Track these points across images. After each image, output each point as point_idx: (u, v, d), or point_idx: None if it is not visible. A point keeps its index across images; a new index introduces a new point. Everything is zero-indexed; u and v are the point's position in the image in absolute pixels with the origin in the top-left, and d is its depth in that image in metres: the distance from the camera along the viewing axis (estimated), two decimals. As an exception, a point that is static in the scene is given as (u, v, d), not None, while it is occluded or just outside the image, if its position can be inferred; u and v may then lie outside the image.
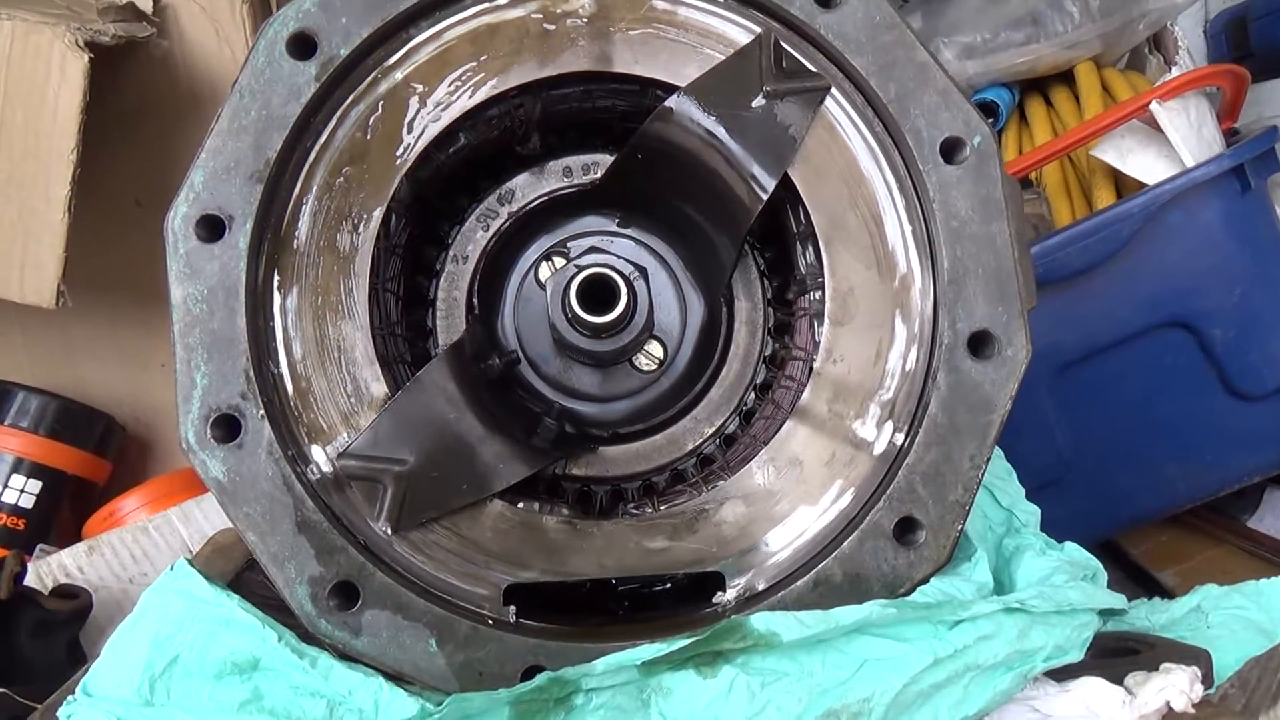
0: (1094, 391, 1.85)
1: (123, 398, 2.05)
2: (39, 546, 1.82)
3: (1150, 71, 2.35)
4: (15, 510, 1.85)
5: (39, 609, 1.50)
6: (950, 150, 1.01)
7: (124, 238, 1.92)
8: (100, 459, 1.97)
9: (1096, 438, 1.86)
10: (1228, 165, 1.74)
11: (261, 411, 0.97)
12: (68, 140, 1.60)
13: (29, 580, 1.61)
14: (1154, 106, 1.90)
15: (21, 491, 1.86)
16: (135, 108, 1.91)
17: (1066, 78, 2.30)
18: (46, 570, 1.68)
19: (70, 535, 1.88)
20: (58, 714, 0.94)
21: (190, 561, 1.00)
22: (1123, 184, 2.08)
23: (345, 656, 0.96)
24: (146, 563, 1.69)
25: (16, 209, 1.62)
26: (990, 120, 1.73)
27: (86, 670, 0.98)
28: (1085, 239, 1.77)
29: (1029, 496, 1.19)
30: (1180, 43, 2.29)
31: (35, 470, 1.87)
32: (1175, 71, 2.23)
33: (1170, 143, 1.92)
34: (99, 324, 2.01)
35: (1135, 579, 1.89)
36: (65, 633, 1.53)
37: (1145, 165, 1.98)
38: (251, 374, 0.97)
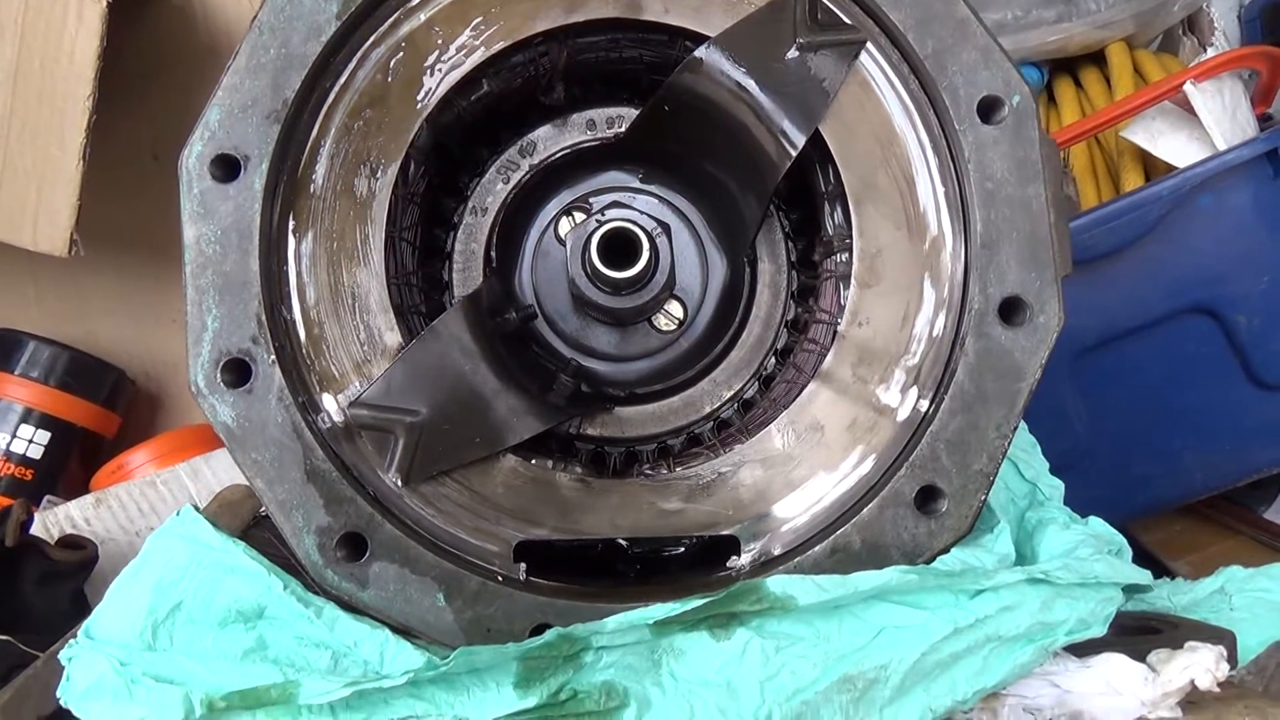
0: (1114, 377, 1.82)
1: (134, 352, 2.03)
2: (46, 498, 1.82)
3: (1183, 54, 2.31)
4: (23, 460, 1.84)
5: (45, 558, 1.49)
6: (988, 109, 0.98)
7: (140, 192, 1.90)
8: (110, 412, 1.95)
9: (1115, 423, 1.83)
10: (1261, 149, 1.70)
11: (272, 357, 0.95)
12: (84, 87, 1.58)
13: (35, 530, 1.60)
14: (1188, 87, 1.86)
15: (30, 442, 1.84)
16: (153, 60, 1.89)
17: (1096, 59, 2.26)
18: (53, 521, 1.67)
19: (77, 488, 1.86)
20: (58, 657, 0.92)
21: (196, 508, 0.99)
22: (1151, 167, 2.04)
23: (351, 608, 0.95)
24: (154, 517, 1.68)
25: (31, 156, 1.60)
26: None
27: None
28: (1112, 221, 1.74)
29: (1045, 479, 1.17)
30: (1216, 24, 2.24)
31: (44, 421, 1.86)
32: (1211, 53, 2.19)
33: (1201, 126, 1.88)
34: (112, 277, 2.00)
35: (1147, 568, 1.87)
36: (70, 583, 1.52)
37: (1176, 148, 1.95)
38: (263, 318, 0.95)
